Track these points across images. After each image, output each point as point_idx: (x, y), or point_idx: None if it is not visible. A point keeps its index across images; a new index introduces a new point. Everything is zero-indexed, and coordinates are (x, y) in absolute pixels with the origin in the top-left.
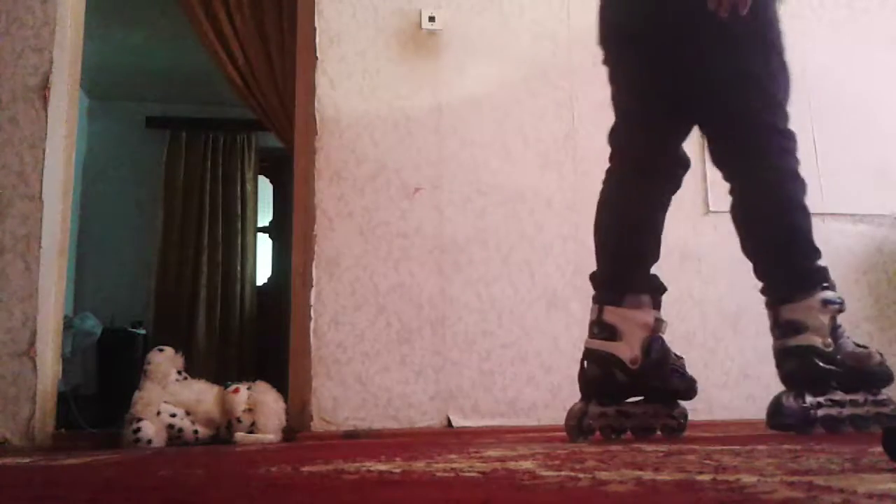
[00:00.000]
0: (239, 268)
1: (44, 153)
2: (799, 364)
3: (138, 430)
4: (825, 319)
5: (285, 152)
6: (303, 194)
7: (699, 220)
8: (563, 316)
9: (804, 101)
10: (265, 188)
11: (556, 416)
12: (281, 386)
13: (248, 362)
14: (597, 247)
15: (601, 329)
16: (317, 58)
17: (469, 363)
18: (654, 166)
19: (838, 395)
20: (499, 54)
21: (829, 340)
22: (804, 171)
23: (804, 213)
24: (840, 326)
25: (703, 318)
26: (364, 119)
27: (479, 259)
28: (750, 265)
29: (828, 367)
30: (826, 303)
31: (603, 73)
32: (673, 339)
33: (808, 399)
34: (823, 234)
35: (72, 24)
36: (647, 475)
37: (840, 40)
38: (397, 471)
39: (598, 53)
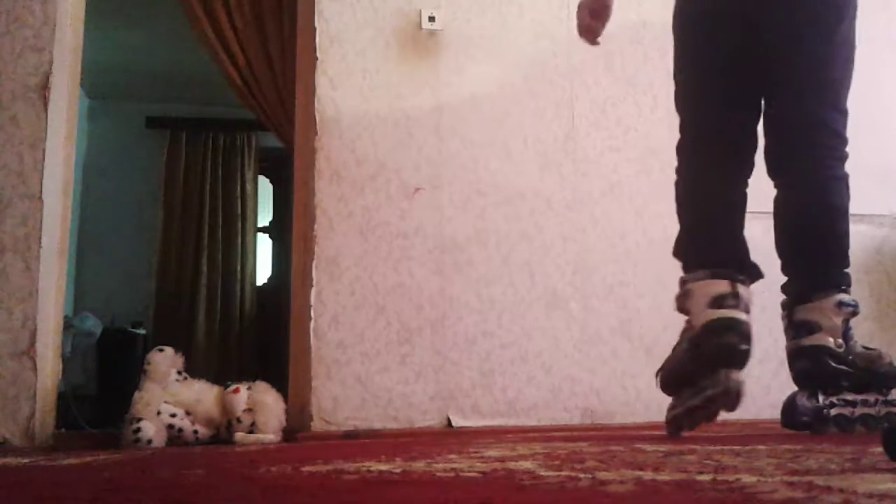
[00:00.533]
0: (239, 268)
1: (44, 153)
2: (812, 363)
3: (138, 430)
4: (838, 321)
5: (285, 152)
6: (303, 194)
7: None
8: (563, 316)
9: None
10: (265, 188)
11: (556, 416)
12: (281, 386)
13: (248, 362)
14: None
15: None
16: (317, 58)
17: (469, 363)
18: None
19: (850, 396)
20: (499, 54)
21: (841, 341)
22: None
23: (846, 223)
24: (851, 329)
25: None
26: (364, 119)
27: (479, 259)
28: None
29: (839, 367)
30: (841, 305)
31: (603, 73)
32: (673, 339)
33: (821, 398)
34: None
35: (72, 24)
36: (647, 475)
37: None
38: (397, 471)
39: (598, 53)
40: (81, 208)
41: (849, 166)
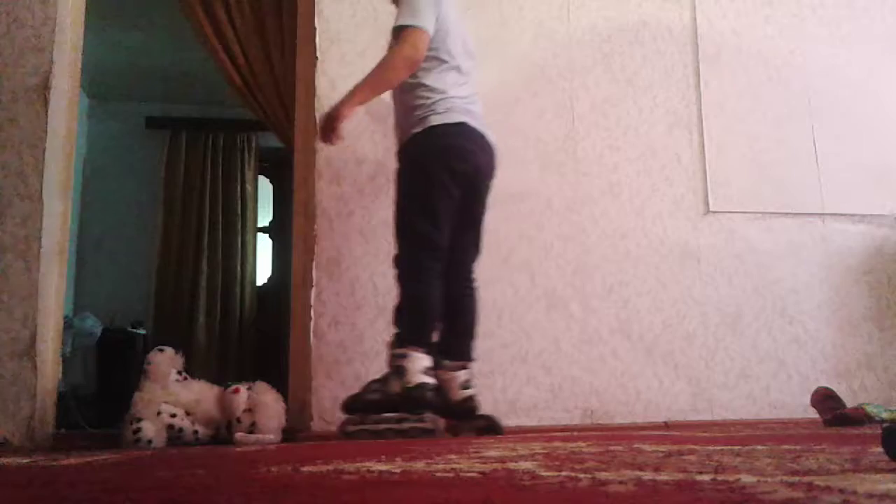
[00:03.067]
0: (239, 268)
1: (44, 153)
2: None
3: (138, 430)
4: (396, 363)
5: (285, 152)
6: (303, 194)
7: (699, 220)
8: (563, 316)
9: (804, 101)
10: (265, 188)
11: (556, 416)
12: (281, 386)
13: (248, 362)
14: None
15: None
16: (317, 58)
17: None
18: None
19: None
20: (499, 54)
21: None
22: (804, 170)
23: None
24: (402, 366)
25: (703, 318)
26: (364, 119)
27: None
28: (750, 265)
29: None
30: (394, 356)
31: (603, 73)
32: (673, 338)
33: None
34: (823, 234)
35: (72, 24)
36: (647, 475)
37: (840, 40)
38: (397, 471)
39: (597, 54)
40: (81, 208)
41: (848, 166)
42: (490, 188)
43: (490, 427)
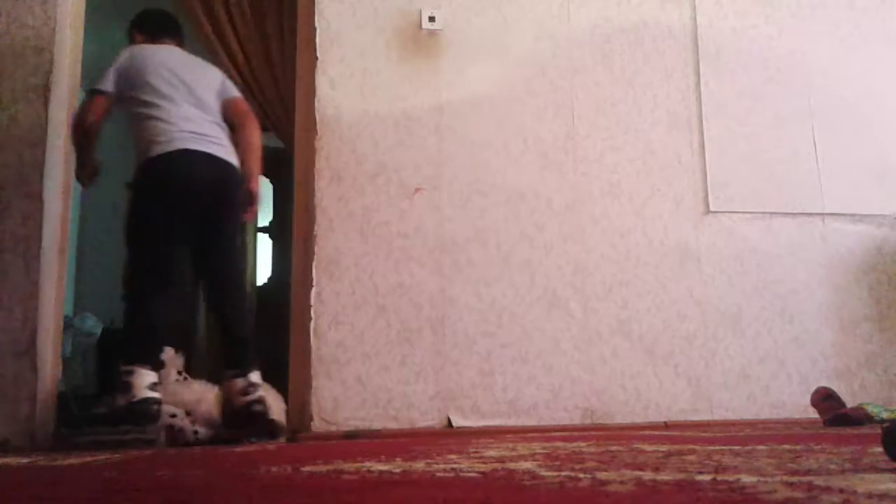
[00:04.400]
0: None
1: (44, 153)
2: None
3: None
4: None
5: (285, 152)
6: (303, 194)
7: (699, 220)
8: (563, 316)
9: (804, 100)
10: (265, 188)
11: (556, 416)
12: (281, 386)
13: None
14: None
15: None
16: (317, 58)
17: (469, 363)
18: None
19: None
20: (499, 54)
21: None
22: (804, 170)
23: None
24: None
25: (703, 318)
26: (364, 119)
27: (479, 259)
28: (750, 265)
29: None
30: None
31: (603, 73)
32: (673, 338)
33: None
34: (823, 234)
35: (72, 24)
36: (647, 475)
37: (840, 40)
38: (397, 471)
39: (598, 54)
40: (81, 208)
41: (848, 166)
42: (230, 204)
43: (272, 431)
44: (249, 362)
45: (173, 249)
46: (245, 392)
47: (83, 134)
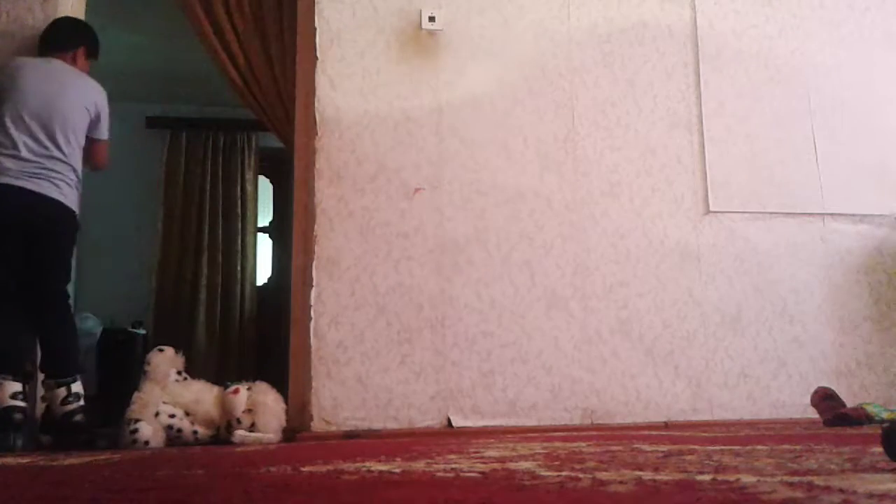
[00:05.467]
0: (239, 268)
1: None
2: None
3: (135, 430)
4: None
5: (285, 152)
6: (303, 194)
7: (699, 220)
8: (563, 316)
9: (804, 101)
10: (265, 188)
11: (556, 416)
12: (281, 386)
13: (248, 362)
14: None
15: None
16: (317, 58)
17: (469, 363)
18: None
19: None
20: (499, 54)
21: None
22: (804, 170)
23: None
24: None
25: (702, 318)
26: (364, 119)
27: (479, 259)
28: (750, 265)
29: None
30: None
31: (603, 73)
32: (673, 339)
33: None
34: (823, 234)
35: None
36: (647, 475)
37: (840, 40)
38: (397, 471)
39: (598, 54)
40: (81, 208)
41: (848, 166)
42: (53, 231)
43: (88, 442)
44: (71, 372)
45: (4, 271)
46: (66, 402)
47: None
